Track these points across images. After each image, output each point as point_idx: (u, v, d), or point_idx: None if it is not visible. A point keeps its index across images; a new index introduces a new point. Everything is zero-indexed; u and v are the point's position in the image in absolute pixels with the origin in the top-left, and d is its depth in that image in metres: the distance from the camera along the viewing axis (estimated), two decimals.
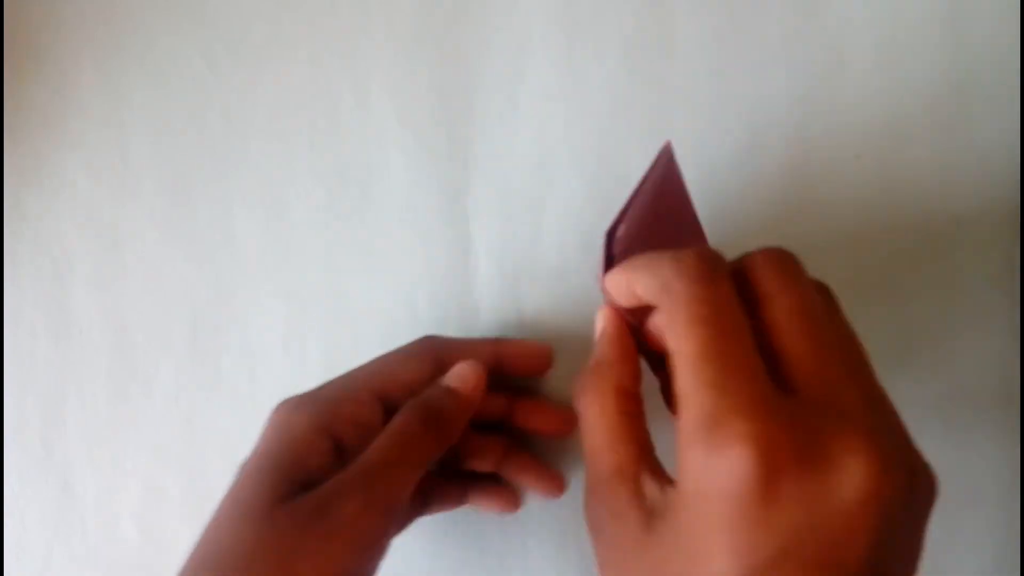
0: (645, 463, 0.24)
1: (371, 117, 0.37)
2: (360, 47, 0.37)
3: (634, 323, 0.26)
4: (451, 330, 0.36)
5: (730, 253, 0.38)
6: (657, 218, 0.29)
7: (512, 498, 0.36)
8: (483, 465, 0.34)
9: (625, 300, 0.25)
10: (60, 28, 0.38)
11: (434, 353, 0.32)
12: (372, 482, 0.27)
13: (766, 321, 0.22)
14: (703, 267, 0.22)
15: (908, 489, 0.20)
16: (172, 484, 0.38)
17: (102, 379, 0.38)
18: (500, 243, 0.37)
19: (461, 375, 0.31)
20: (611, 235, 0.28)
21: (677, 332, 0.22)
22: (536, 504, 0.37)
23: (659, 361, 0.26)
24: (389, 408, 0.30)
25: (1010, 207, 0.35)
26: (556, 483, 0.35)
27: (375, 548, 0.28)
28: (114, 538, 0.38)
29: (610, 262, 0.28)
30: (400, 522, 0.33)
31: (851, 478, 0.19)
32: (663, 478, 0.23)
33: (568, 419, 0.34)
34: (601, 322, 0.27)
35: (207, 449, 0.38)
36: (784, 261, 0.24)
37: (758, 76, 0.36)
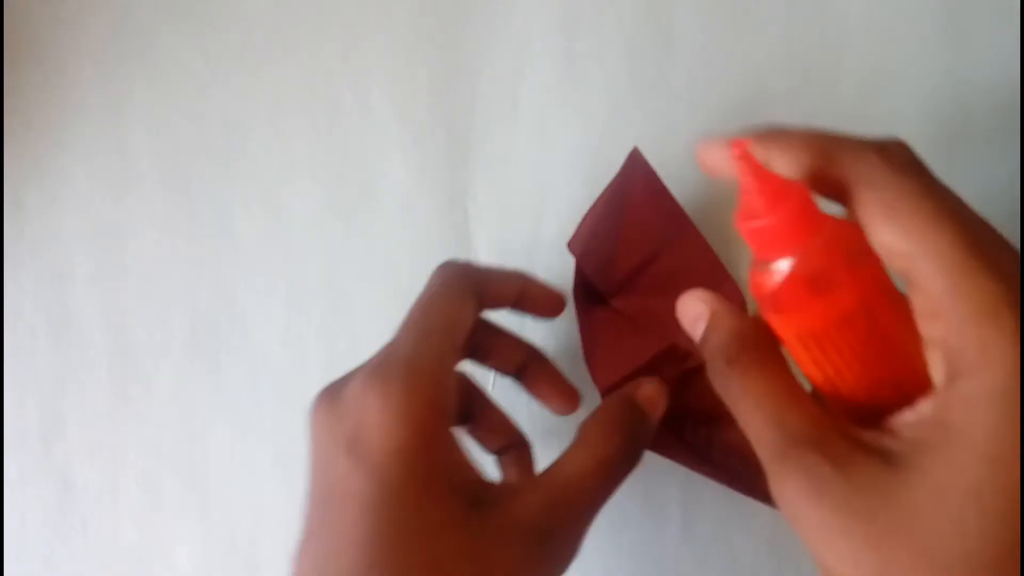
0: (836, 419, 0.21)
1: (371, 117, 0.37)
2: (360, 47, 0.37)
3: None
4: None
5: (731, 251, 0.38)
6: (622, 218, 0.29)
7: (573, 396, 0.33)
8: (506, 367, 0.32)
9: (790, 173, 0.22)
10: (60, 28, 0.38)
11: (473, 289, 0.29)
12: (586, 516, 0.26)
13: None
14: (911, 156, 0.21)
15: None
16: (172, 484, 0.38)
17: (102, 379, 0.38)
18: (500, 243, 0.37)
19: (651, 398, 0.29)
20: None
21: (919, 225, 0.20)
22: None
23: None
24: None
25: (1010, 207, 0.35)
26: (573, 398, 0.32)
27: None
28: (114, 538, 0.38)
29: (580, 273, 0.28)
30: None
31: None
32: (868, 430, 0.21)
33: (573, 397, 0.32)
34: (702, 304, 0.24)
35: (207, 449, 0.38)
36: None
37: (758, 76, 0.36)
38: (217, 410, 0.38)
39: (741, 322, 0.23)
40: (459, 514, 0.24)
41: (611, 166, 0.37)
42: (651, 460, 0.36)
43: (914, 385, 0.21)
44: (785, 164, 0.22)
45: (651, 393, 0.29)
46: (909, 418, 0.21)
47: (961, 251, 0.19)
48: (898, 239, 0.20)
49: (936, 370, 0.20)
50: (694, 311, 0.24)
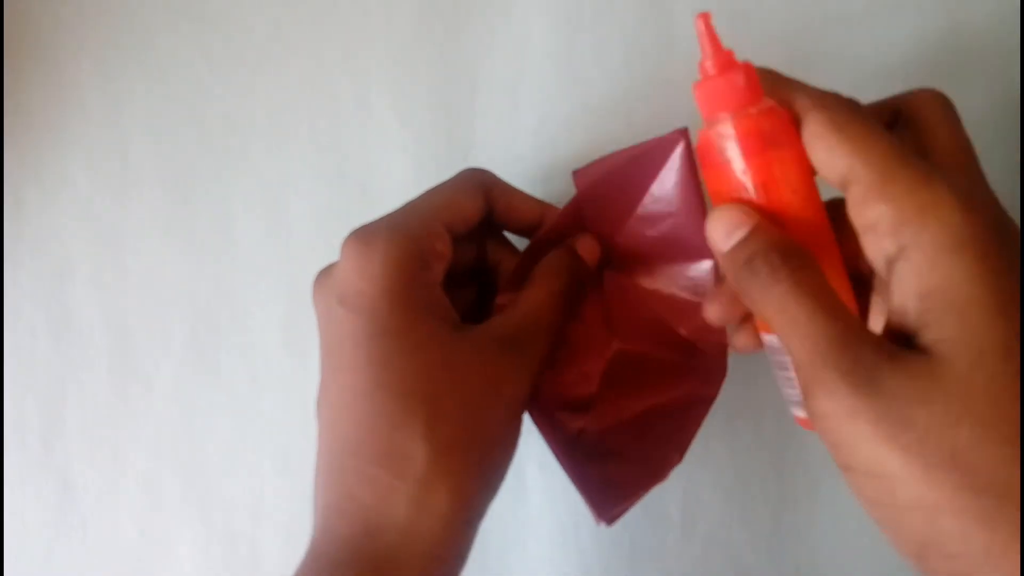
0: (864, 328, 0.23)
1: (371, 117, 0.37)
2: (360, 47, 0.37)
3: None
4: None
5: None
6: (642, 179, 0.30)
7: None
8: (525, 221, 0.33)
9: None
10: (60, 28, 0.38)
11: (483, 188, 0.31)
12: (545, 332, 0.29)
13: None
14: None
15: None
16: (172, 484, 0.38)
17: (102, 379, 0.38)
18: None
19: (589, 248, 0.32)
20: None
21: (860, 134, 0.23)
22: (536, 504, 0.37)
23: None
24: (453, 241, 0.30)
25: (1009, 207, 0.35)
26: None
27: (527, 395, 0.29)
28: (114, 538, 0.38)
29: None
30: None
31: None
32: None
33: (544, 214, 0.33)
34: (744, 215, 0.25)
35: (207, 449, 0.38)
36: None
37: None
38: (217, 410, 0.38)
39: (783, 234, 0.24)
40: (441, 334, 0.27)
41: None
42: None
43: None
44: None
45: (588, 244, 0.32)
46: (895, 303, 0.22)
47: (893, 148, 0.23)
48: (843, 144, 0.23)
49: (873, 251, 0.23)
50: (734, 219, 0.24)
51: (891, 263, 0.22)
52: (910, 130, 0.25)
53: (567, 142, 0.37)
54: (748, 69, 0.25)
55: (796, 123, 0.25)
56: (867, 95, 0.36)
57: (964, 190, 0.22)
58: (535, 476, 0.37)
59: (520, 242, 0.34)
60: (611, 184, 0.30)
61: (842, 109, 0.24)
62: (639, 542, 0.37)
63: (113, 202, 0.38)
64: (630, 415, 0.32)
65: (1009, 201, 0.35)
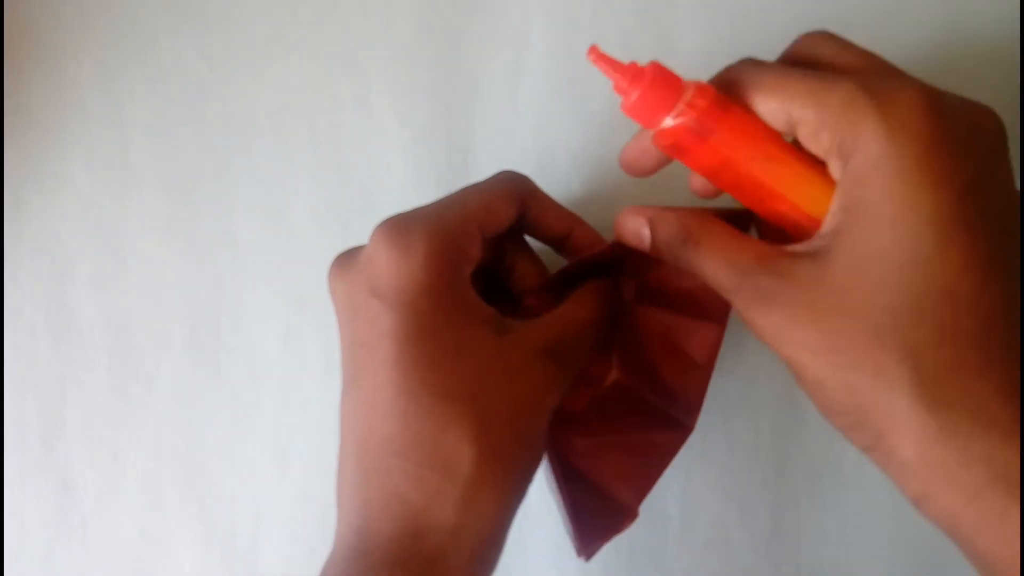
0: (780, 247, 0.25)
1: (371, 117, 0.37)
2: (360, 47, 0.37)
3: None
4: None
5: None
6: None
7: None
8: (555, 231, 0.33)
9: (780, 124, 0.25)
10: (60, 28, 0.38)
11: (520, 195, 0.31)
12: (583, 350, 0.30)
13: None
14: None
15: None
16: (172, 484, 0.38)
17: (102, 379, 0.38)
18: None
19: (626, 285, 0.33)
20: None
21: (799, 91, 0.24)
22: (536, 504, 0.37)
23: None
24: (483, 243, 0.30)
25: None
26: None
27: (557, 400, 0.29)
28: (114, 538, 0.38)
29: None
30: None
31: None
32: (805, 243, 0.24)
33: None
34: (638, 215, 0.27)
35: (207, 449, 0.38)
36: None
37: None
38: (217, 410, 0.38)
39: (677, 211, 0.27)
40: (487, 337, 0.27)
41: (611, 166, 0.37)
42: None
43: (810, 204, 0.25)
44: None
45: (631, 289, 0.33)
46: (827, 220, 0.24)
47: (817, 81, 0.24)
48: (783, 101, 0.24)
49: (833, 164, 0.24)
50: (634, 224, 0.27)
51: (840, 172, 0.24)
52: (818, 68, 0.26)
53: (567, 142, 0.37)
54: (657, 68, 0.25)
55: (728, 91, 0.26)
56: None
57: (880, 89, 0.23)
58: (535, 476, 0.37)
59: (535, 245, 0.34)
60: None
61: (752, 71, 0.25)
62: (639, 542, 0.37)
63: (113, 202, 0.38)
64: (604, 442, 0.32)
65: None
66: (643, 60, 0.36)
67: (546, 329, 0.29)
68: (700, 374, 0.32)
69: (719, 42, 0.36)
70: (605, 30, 0.36)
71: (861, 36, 0.35)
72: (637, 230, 0.27)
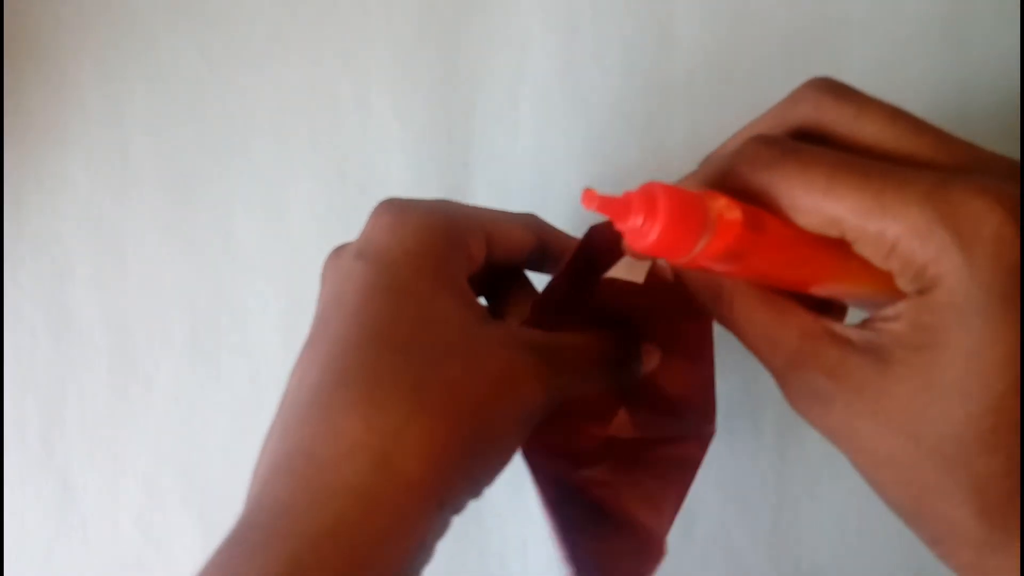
0: (826, 320, 0.22)
1: (371, 117, 0.37)
2: (360, 47, 0.37)
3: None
4: None
5: None
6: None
7: None
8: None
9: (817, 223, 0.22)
10: (60, 28, 0.38)
11: (539, 230, 0.28)
12: (582, 364, 0.26)
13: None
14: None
15: None
16: (172, 484, 0.38)
17: (102, 379, 0.38)
18: None
19: (650, 354, 0.29)
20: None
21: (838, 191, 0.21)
22: (536, 504, 0.37)
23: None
24: (488, 257, 0.27)
25: None
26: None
27: (541, 413, 0.25)
28: (114, 538, 0.38)
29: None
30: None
31: None
32: (856, 326, 0.22)
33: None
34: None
35: (207, 449, 0.38)
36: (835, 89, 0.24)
37: (758, 76, 0.36)
38: (217, 410, 0.38)
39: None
40: (465, 316, 0.24)
41: (611, 166, 0.37)
42: None
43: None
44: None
45: (651, 351, 0.29)
46: (890, 314, 0.21)
47: (873, 199, 0.20)
48: (832, 221, 0.21)
49: (902, 281, 0.21)
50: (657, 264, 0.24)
51: (914, 292, 0.21)
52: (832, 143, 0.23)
53: (567, 142, 0.37)
54: (664, 191, 0.20)
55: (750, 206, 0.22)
56: (866, 90, 0.36)
57: (956, 214, 0.20)
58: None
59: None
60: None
61: (782, 178, 0.21)
62: None
63: (113, 202, 0.38)
64: (622, 466, 0.30)
65: None
66: (643, 60, 0.36)
67: (539, 331, 0.26)
68: (703, 373, 0.30)
69: (719, 42, 0.36)
70: (605, 30, 0.36)
71: (859, 34, 0.36)
72: (662, 269, 0.24)
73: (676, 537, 0.37)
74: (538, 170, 0.37)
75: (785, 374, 0.23)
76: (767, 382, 0.38)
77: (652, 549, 0.28)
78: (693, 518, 0.37)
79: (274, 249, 0.38)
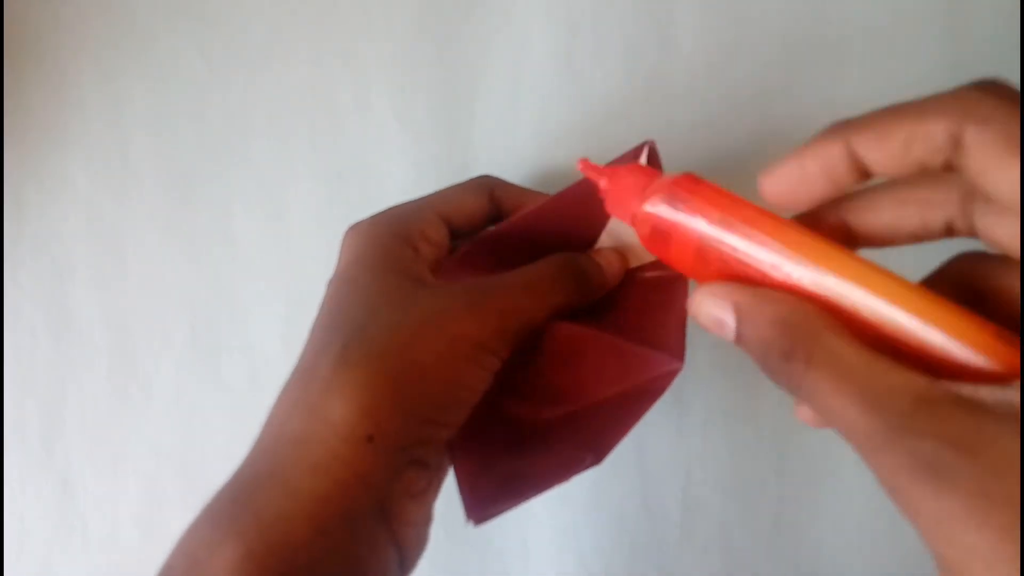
0: (944, 382, 0.18)
1: (371, 117, 0.37)
2: (360, 47, 0.37)
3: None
4: None
5: None
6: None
7: None
8: None
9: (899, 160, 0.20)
10: (60, 28, 0.38)
11: (490, 190, 0.31)
12: (518, 291, 0.28)
13: None
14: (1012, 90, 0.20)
15: None
16: (172, 484, 0.38)
17: (102, 379, 0.38)
18: None
19: (609, 257, 0.31)
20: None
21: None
22: (536, 504, 0.37)
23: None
24: (453, 233, 0.31)
25: None
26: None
27: (497, 355, 0.27)
28: (114, 538, 0.38)
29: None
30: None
31: None
32: (991, 388, 0.18)
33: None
34: (719, 300, 0.22)
35: (207, 449, 0.38)
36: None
37: (758, 76, 0.36)
38: (217, 410, 0.38)
39: (778, 304, 0.20)
40: (400, 286, 0.27)
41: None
42: (651, 461, 0.36)
43: None
44: (886, 155, 0.20)
45: (609, 255, 0.31)
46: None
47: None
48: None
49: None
50: (714, 310, 0.22)
51: None
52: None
53: (567, 142, 0.37)
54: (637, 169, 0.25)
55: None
56: (866, 90, 0.36)
57: None
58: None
59: None
60: (584, 194, 0.29)
61: (1005, 119, 0.19)
62: (639, 542, 0.37)
63: (113, 202, 0.38)
64: (565, 411, 0.30)
65: None
66: (643, 60, 0.36)
67: (473, 279, 0.28)
68: (676, 319, 0.29)
69: (719, 42, 0.36)
70: (605, 30, 0.36)
71: (862, 34, 0.36)
72: (718, 318, 0.22)
73: (676, 537, 0.37)
74: (538, 170, 0.37)
75: (888, 443, 0.18)
76: (767, 383, 0.38)
77: (559, 475, 0.28)
78: (693, 518, 0.37)
79: (274, 249, 0.38)
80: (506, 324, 0.27)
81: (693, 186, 0.24)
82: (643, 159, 0.30)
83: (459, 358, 0.26)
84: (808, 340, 0.19)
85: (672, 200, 0.23)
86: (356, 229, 0.30)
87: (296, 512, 0.24)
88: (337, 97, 0.37)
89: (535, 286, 0.28)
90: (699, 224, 0.23)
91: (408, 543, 0.26)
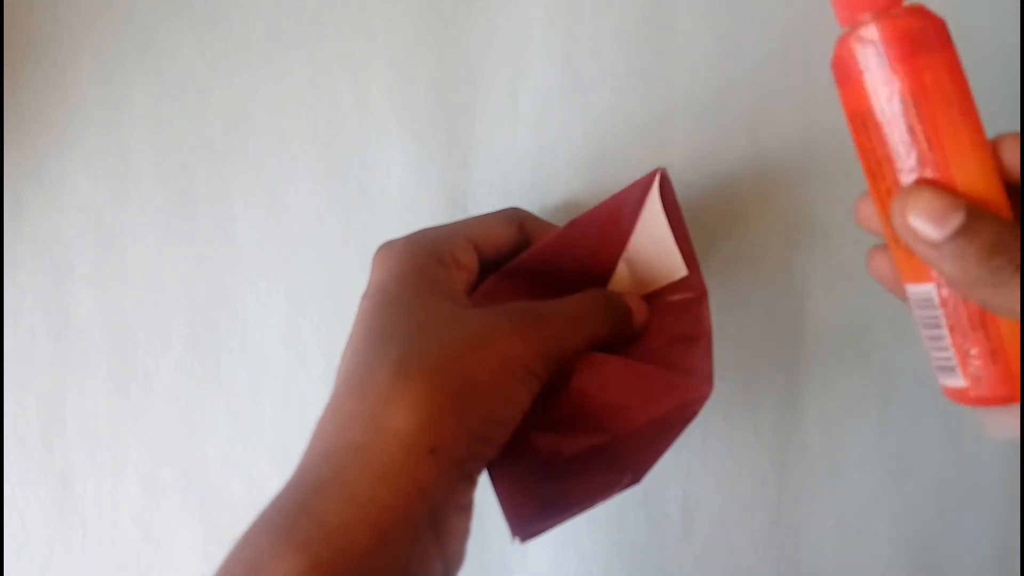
0: None
1: (371, 117, 0.37)
2: (360, 47, 0.37)
3: None
4: None
5: (731, 252, 0.38)
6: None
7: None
8: None
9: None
10: (60, 28, 0.38)
11: (521, 222, 0.32)
12: (561, 320, 0.28)
13: None
14: None
15: None
16: (172, 484, 0.38)
17: (102, 379, 0.38)
18: None
19: (638, 302, 0.32)
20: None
21: None
22: None
23: None
24: (481, 260, 0.31)
25: None
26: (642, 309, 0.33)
27: (540, 378, 0.27)
28: (114, 538, 0.38)
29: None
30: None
31: None
32: None
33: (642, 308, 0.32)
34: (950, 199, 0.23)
35: (207, 449, 0.38)
36: None
37: (758, 76, 0.36)
38: (217, 410, 0.38)
39: (999, 216, 0.23)
40: (443, 305, 0.28)
41: (611, 166, 0.37)
42: None
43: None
44: None
45: (637, 301, 0.32)
46: None
47: None
48: None
49: None
50: (943, 206, 0.23)
51: None
52: None
53: (567, 142, 0.37)
54: None
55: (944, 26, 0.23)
56: None
57: None
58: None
59: None
60: (599, 223, 0.31)
61: None
62: (639, 542, 0.37)
63: (113, 202, 0.38)
64: (603, 440, 0.31)
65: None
66: (643, 60, 0.36)
67: (530, 306, 0.29)
68: (702, 343, 0.31)
69: (719, 42, 0.36)
70: (605, 30, 0.36)
71: None
72: (942, 216, 0.23)
73: (676, 537, 0.37)
74: (538, 170, 0.37)
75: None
76: (767, 382, 0.39)
77: (599, 496, 0.29)
78: (693, 518, 0.37)
79: (274, 249, 0.38)
80: (550, 350, 0.28)
81: (937, 35, 0.23)
82: (654, 191, 0.30)
83: (510, 377, 0.26)
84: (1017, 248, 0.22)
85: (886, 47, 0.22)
86: (390, 247, 0.30)
87: (360, 521, 0.23)
88: (337, 97, 0.37)
89: (578, 317, 0.29)
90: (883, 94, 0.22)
91: (452, 555, 0.26)
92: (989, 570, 0.37)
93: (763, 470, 0.37)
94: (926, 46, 0.22)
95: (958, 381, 0.24)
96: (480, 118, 0.37)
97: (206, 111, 0.38)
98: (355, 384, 0.26)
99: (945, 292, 0.23)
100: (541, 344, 0.27)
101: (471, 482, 0.26)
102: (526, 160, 0.37)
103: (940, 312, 0.23)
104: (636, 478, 0.28)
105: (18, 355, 0.38)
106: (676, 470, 0.37)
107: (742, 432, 0.37)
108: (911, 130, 0.23)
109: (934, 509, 0.37)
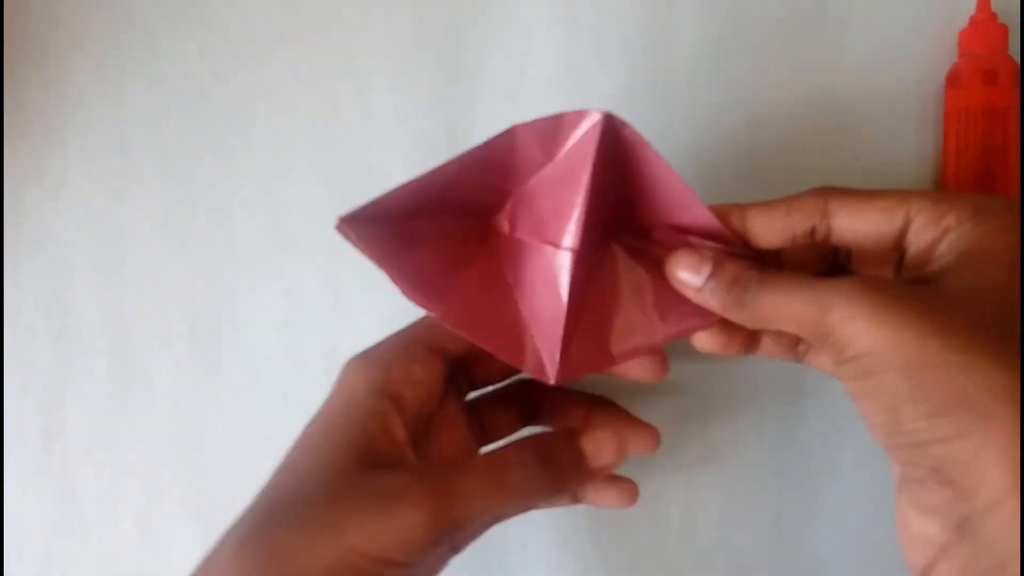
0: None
1: (371, 117, 0.37)
2: (360, 47, 0.37)
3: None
4: None
5: None
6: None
7: (630, 489, 0.33)
8: (571, 421, 0.33)
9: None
10: (60, 28, 0.38)
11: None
12: (442, 496, 0.27)
13: None
14: None
15: None
16: (172, 484, 0.38)
17: (102, 379, 0.38)
18: None
19: (599, 443, 0.31)
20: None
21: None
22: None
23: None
24: (450, 362, 0.30)
25: None
26: (652, 435, 0.33)
27: (410, 564, 0.27)
28: (114, 538, 0.38)
29: None
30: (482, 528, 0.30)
31: None
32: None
33: (654, 436, 0.33)
34: (697, 258, 0.28)
35: (207, 449, 0.38)
36: None
37: (758, 75, 0.36)
38: (217, 410, 0.38)
39: (738, 260, 0.28)
40: (350, 459, 0.27)
41: None
42: (651, 461, 0.36)
43: None
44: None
45: (600, 440, 0.31)
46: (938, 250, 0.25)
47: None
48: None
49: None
50: (693, 260, 0.28)
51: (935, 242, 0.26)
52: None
53: None
54: None
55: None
56: (866, 89, 0.36)
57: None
58: None
59: None
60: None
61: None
62: (639, 542, 0.37)
63: (113, 202, 0.38)
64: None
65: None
66: (643, 60, 0.36)
67: (432, 468, 0.28)
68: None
69: (720, 41, 0.36)
70: (605, 30, 0.36)
71: (861, 33, 0.36)
72: (697, 268, 0.28)
73: (677, 537, 0.37)
74: None
75: (835, 294, 0.25)
76: (767, 382, 0.39)
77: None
78: (693, 518, 0.37)
79: (274, 249, 0.38)
80: (462, 516, 0.27)
81: None
82: (580, 132, 0.29)
83: (351, 571, 0.25)
84: (765, 271, 0.27)
85: None
86: (349, 368, 0.30)
87: None
88: (337, 97, 0.37)
89: (499, 489, 0.28)
90: None
91: None
92: None
93: (763, 470, 0.37)
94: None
95: None
96: (480, 118, 0.37)
97: (206, 111, 0.38)
98: (219, 543, 0.27)
99: None
100: (448, 513, 0.27)
101: None
102: None
103: None
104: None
105: (18, 355, 0.38)
106: (676, 470, 0.37)
107: (742, 432, 0.37)
108: None
109: None
